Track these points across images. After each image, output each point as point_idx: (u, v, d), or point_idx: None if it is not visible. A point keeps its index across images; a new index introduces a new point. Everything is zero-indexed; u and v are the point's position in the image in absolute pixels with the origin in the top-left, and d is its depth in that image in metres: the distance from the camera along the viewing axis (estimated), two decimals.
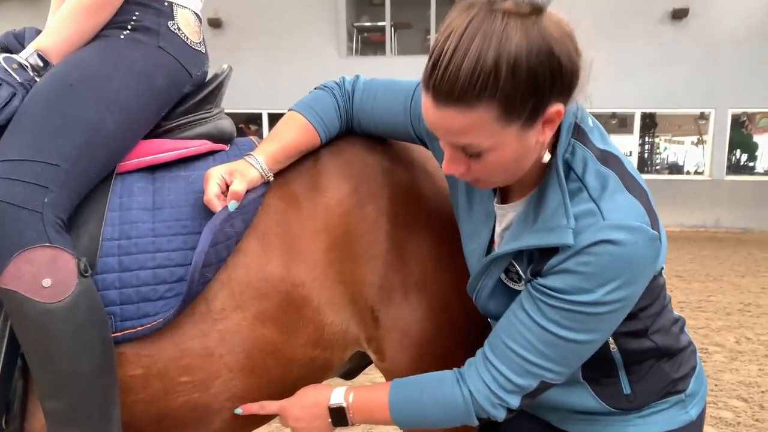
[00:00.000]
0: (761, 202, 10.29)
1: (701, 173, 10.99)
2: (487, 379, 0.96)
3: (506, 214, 1.02)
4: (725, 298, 5.39)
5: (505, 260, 0.99)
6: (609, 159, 0.92)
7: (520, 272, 0.98)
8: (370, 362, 1.37)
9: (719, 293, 5.61)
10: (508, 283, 1.02)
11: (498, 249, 0.99)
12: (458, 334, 1.22)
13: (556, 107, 0.83)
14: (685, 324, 1.12)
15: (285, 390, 1.15)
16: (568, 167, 0.91)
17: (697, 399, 1.08)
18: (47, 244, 0.95)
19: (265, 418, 1.20)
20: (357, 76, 1.23)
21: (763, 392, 3.26)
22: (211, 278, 1.07)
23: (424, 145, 1.17)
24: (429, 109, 0.84)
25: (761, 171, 11.24)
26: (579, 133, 0.93)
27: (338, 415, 1.06)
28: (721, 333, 4.32)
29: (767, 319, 4.70)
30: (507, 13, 0.77)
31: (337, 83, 1.22)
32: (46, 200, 0.97)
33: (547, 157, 0.90)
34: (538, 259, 0.93)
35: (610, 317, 0.90)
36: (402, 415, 1.03)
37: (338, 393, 1.07)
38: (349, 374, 1.46)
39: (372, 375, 3.33)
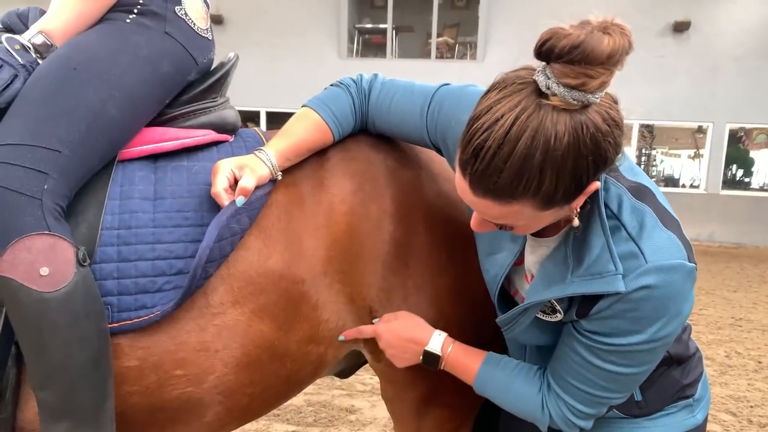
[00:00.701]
0: (755, 217, 10.33)
1: (697, 187, 11.03)
2: (564, 410, 1.01)
3: (538, 249, 1.00)
4: (717, 312, 5.41)
5: (542, 303, 0.98)
6: (642, 193, 0.91)
7: (557, 308, 0.98)
8: (364, 362, 1.37)
9: (711, 307, 5.62)
10: (541, 317, 1.02)
11: (537, 295, 0.97)
12: (455, 336, 1.21)
13: (595, 185, 0.82)
14: (691, 331, 1.13)
15: (278, 384, 1.14)
16: (604, 205, 0.89)
17: (704, 403, 1.11)
18: (46, 232, 0.93)
19: (259, 413, 1.19)
20: (375, 75, 1.21)
21: (752, 407, 3.27)
22: (212, 273, 1.05)
23: (439, 151, 1.16)
24: (464, 191, 0.83)
25: (756, 187, 11.29)
26: (610, 167, 0.91)
27: (431, 359, 1.10)
28: (711, 347, 4.33)
29: (758, 334, 4.72)
30: (556, 109, 0.74)
31: (354, 80, 1.20)
32: (45, 186, 0.95)
33: (576, 222, 0.88)
34: (580, 301, 0.92)
35: (661, 349, 0.93)
36: (483, 390, 1.09)
37: (437, 340, 1.10)
38: (343, 373, 1.45)
39: (362, 376, 3.33)
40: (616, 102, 0.80)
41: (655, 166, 11.88)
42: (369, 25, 11.42)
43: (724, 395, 3.42)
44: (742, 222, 10.34)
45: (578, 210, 0.87)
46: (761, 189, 11.19)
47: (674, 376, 1.06)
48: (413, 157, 1.26)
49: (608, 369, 0.93)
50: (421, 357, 1.11)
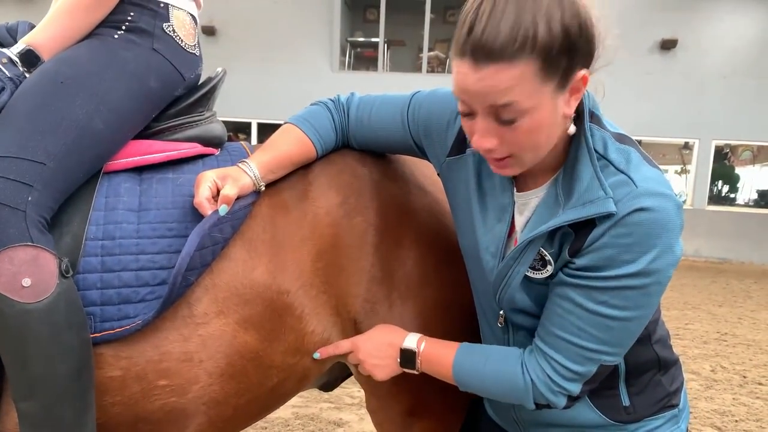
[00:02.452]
0: (741, 233, 10.44)
1: (683, 202, 11.14)
2: (547, 369, 0.97)
3: (528, 202, 1.00)
4: (702, 327, 5.44)
5: (535, 246, 0.97)
6: (625, 139, 0.95)
7: (546, 258, 0.97)
8: (349, 374, 1.37)
9: (696, 322, 5.66)
10: (531, 275, 1.00)
11: (527, 233, 0.97)
12: None
13: (583, 73, 0.86)
14: (670, 337, 1.14)
15: (262, 395, 1.14)
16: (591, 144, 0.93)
17: (686, 413, 1.12)
18: (29, 244, 0.93)
19: (243, 425, 1.19)
20: (352, 93, 1.24)
21: (736, 421, 3.28)
22: (194, 282, 1.06)
23: (423, 153, 1.18)
24: (467, 75, 0.84)
25: (742, 203, 11.42)
26: (593, 118, 0.96)
27: (408, 358, 1.10)
28: (697, 361, 4.35)
29: (743, 349, 4.75)
30: None
31: (332, 99, 1.23)
32: (30, 199, 0.95)
33: (572, 128, 0.92)
34: (573, 238, 0.92)
35: (655, 289, 0.91)
36: (462, 378, 1.06)
37: (412, 339, 1.11)
38: (327, 385, 1.45)
39: (350, 389, 3.32)
40: None
41: None
42: (361, 39, 11.48)
43: (709, 410, 3.43)
44: (728, 238, 10.44)
45: (571, 118, 0.91)
46: (746, 205, 11.32)
47: (661, 381, 1.07)
48: (399, 170, 1.27)
49: (601, 312, 0.91)
50: (398, 359, 1.11)
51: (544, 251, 0.97)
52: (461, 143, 1.09)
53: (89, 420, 0.98)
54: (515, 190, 1.03)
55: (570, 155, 0.94)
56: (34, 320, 0.91)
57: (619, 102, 9.97)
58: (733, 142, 10.96)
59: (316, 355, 1.17)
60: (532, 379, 0.98)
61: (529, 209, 1.00)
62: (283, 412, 3.08)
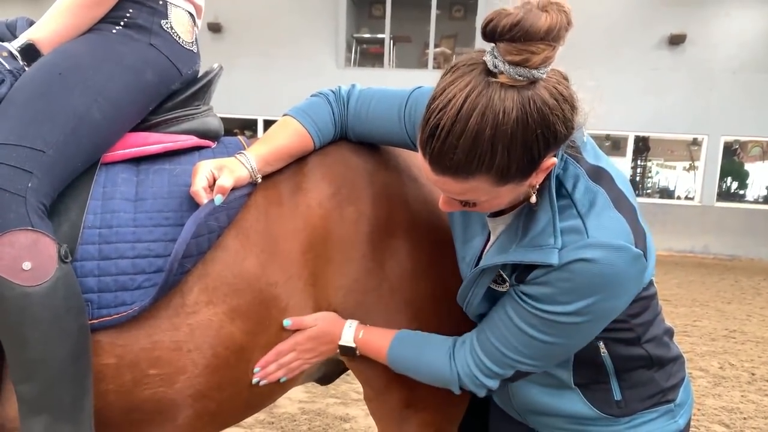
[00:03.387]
0: (750, 230, 10.36)
1: (692, 199, 11.07)
2: (471, 365, 1.04)
3: (497, 227, 1.04)
4: (711, 324, 5.40)
5: (493, 271, 1.02)
6: (600, 175, 0.94)
7: (505, 276, 1.01)
8: (345, 368, 1.36)
9: (705, 318, 5.62)
10: (493, 287, 1.04)
11: (485, 261, 1.01)
12: None
13: (550, 161, 0.85)
14: (674, 334, 1.14)
15: (244, 391, 1.14)
16: (560, 183, 0.93)
17: (685, 408, 1.11)
18: (29, 228, 0.95)
19: (228, 421, 1.20)
20: (353, 85, 1.24)
21: (745, 419, 3.26)
22: (189, 269, 1.07)
23: (417, 149, 1.18)
24: (427, 171, 0.87)
25: (751, 199, 11.34)
26: (572, 149, 0.95)
27: (347, 350, 1.17)
28: (705, 358, 4.33)
29: (751, 346, 4.72)
30: (504, 86, 0.78)
31: (332, 91, 1.23)
32: (30, 185, 0.97)
33: (533, 199, 0.92)
34: (522, 269, 0.96)
35: (586, 326, 0.94)
36: (396, 366, 1.14)
37: (349, 332, 1.15)
38: (324, 379, 1.45)
39: (356, 384, 3.32)
40: (566, 78, 0.84)
41: (651, 177, 11.93)
42: (367, 35, 11.48)
43: (717, 407, 3.41)
44: (737, 234, 10.37)
45: (536, 187, 0.91)
46: (756, 201, 11.25)
47: (655, 378, 1.06)
48: (393, 160, 1.27)
49: (527, 332, 0.95)
50: (338, 350, 1.17)
51: (502, 272, 1.01)
52: None
53: (87, 405, 1.00)
54: (489, 214, 1.05)
55: (537, 200, 0.94)
56: (34, 303, 0.93)
57: (627, 98, 9.94)
58: (742, 138, 10.88)
59: (257, 369, 1.16)
60: (458, 372, 1.06)
61: (497, 233, 1.04)
62: (290, 407, 3.09)
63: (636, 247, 0.87)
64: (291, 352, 1.16)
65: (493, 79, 0.78)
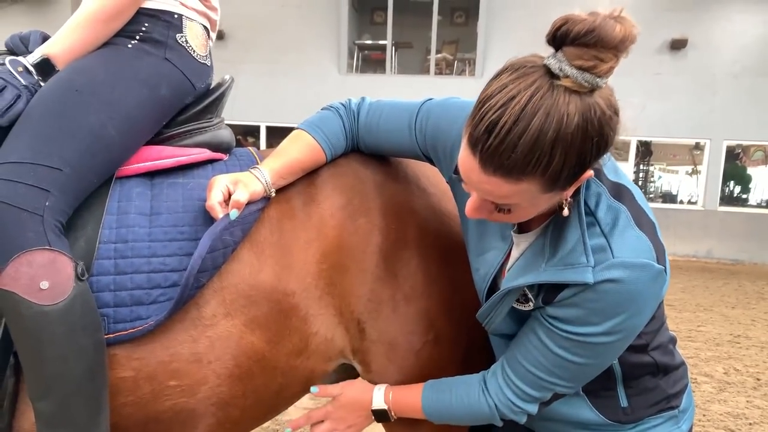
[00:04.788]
0: (753, 234, 10.34)
1: (694, 203, 11.05)
2: (507, 393, 1.04)
3: (521, 243, 1.03)
4: (715, 329, 5.39)
5: (518, 290, 1.01)
6: (621, 192, 0.94)
7: (529, 296, 1.01)
8: (356, 375, 1.37)
9: (709, 324, 5.61)
10: (516, 306, 1.04)
11: (512, 281, 0.99)
12: (445, 348, 1.23)
13: (588, 173, 0.85)
14: (677, 341, 1.15)
15: (267, 397, 1.16)
16: (583, 202, 0.93)
17: (688, 414, 1.13)
18: (47, 247, 0.96)
19: (249, 427, 1.21)
20: (363, 98, 1.25)
21: (750, 424, 3.26)
22: (204, 284, 1.08)
23: (431, 161, 1.19)
24: (472, 170, 0.83)
25: (754, 203, 11.30)
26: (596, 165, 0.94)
27: (381, 415, 1.18)
28: (710, 363, 4.32)
29: (756, 351, 4.71)
30: (568, 91, 0.77)
31: (342, 104, 1.24)
32: (47, 203, 0.98)
33: (566, 211, 0.91)
34: (548, 289, 0.95)
35: (616, 345, 0.95)
36: (434, 415, 1.13)
37: (379, 395, 1.17)
38: None
39: None
40: (612, 91, 0.83)
41: (653, 182, 11.91)
42: (369, 41, 11.50)
43: (722, 412, 3.40)
44: (740, 239, 10.34)
45: (569, 200, 0.91)
46: (759, 206, 11.21)
47: (660, 384, 1.08)
48: (402, 171, 1.29)
49: (561, 355, 0.96)
50: (372, 417, 1.18)
51: (527, 291, 1.00)
52: None
53: (103, 420, 1.01)
54: (515, 230, 1.04)
55: (564, 218, 0.93)
56: (51, 322, 0.94)
57: (629, 103, 9.94)
58: (744, 143, 10.87)
59: (288, 430, 1.23)
60: (495, 403, 1.05)
61: (520, 249, 1.03)
62: (295, 414, 3.07)
63: (657, 263, 0.88)
64: (324, 420, 1.19)
65: (558, 82, 0.77)
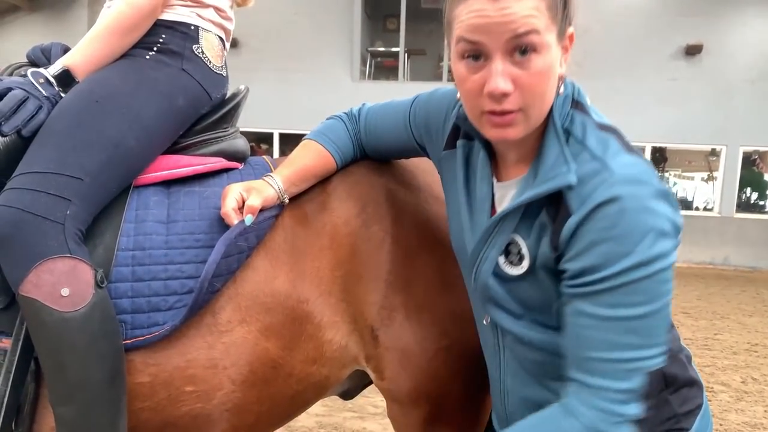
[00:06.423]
0: None
1: (710, 210, 10.93)
2: (597, 402, 0.85)
3: (507, 194, 0.99)
4: (732, 337, 5.32)
5: (508, 227, 0.95)
6: (607, 128, 0.92)
7: (523, 251, 0.94)
8: (369, 382, 1.38)
9: (726, 332, 5.54)
10: (506, 268, 0.97)
11: (499, 212, 0.95)
12: (458, 356, 1.23)
13: (571, 30, 0.89)
14: (691, 358, 1.09)
15: (282, 403, 1.17)
16: (568, 133, 0.91)
17: None
18: (68, 255, 0.98)
19: (265, 428, 1.21)
20: (363, 104, 1.29)
21: None
22: (219, 289, 1.10)
23: (426, 153, 1.20)
24: (485, 9, 0.82)
25: None
26: (578, 106, 0.94)
27: None
28: (727, 372, 4.26)
29: None
30: None
31: (345, 112, 1.29)
32: (68, 212, 1.01)
33: (562, 89, 0.92)
34: (551, 229, 0.89)
35: (663, 275, 0.84)
36: None
37: None
38: (347, 393, 1.47)
39: (373, 398, 3.32)
40: None
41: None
42: (381, 49, 11.55)
43: (740, 422, 3.36)
44: (758, 245, 10.20)
45: (566, 62, 0.91)
46: None
47: (669, 400, 1.00)
48: (414, 179, 1.30)
49: (619, 315, 0.83)
50: None
51: (521, 242, 0.94)
52: (454, 137, 1.09)
53: (122, 425, 1.03)
54: (495, 180, 1.00)
55: (542, 141, 0.92)
56: (72, 328, 0.97)
57: (644, 108, 9.89)
58: (761, 149, 10.75)
59: None
60: (587, 424, 0.85)
61: (507, 200, 0.98)
62: (306, 421, 3.09)
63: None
64: None
65: None
